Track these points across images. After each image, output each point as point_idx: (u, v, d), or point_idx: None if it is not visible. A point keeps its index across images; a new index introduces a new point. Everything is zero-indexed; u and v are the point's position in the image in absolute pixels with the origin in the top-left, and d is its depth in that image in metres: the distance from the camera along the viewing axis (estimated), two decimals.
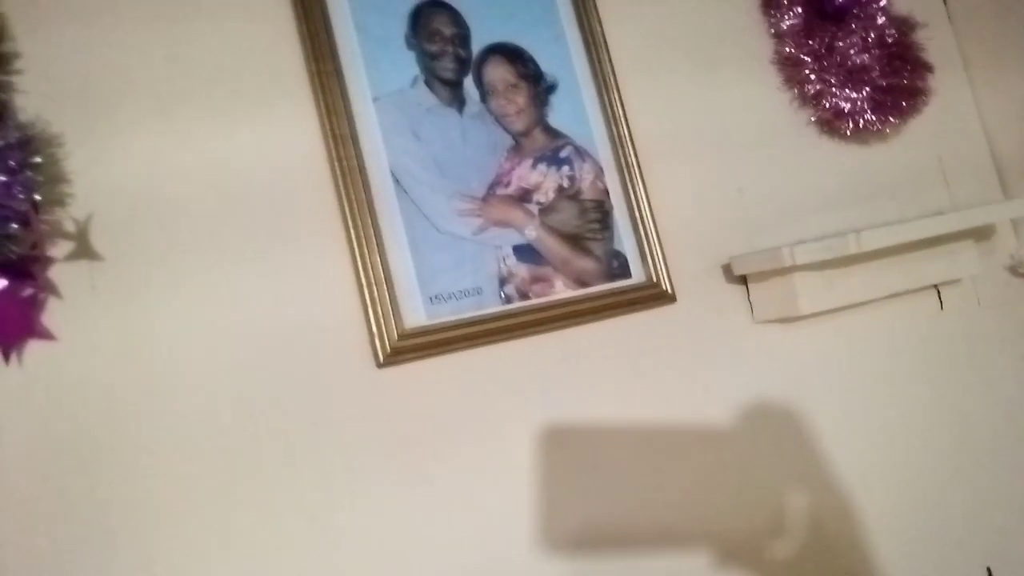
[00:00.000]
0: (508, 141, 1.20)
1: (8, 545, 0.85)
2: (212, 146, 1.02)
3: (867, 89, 1.49)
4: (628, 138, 1.28)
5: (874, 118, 1.49)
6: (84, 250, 0.93)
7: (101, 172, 0.96)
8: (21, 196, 0.87)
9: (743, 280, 1.33)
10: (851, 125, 1.49)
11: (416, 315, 1.07)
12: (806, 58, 1.47)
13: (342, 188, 1.07)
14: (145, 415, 0.93)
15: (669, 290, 1.26)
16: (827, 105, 1.48)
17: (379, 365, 1.05)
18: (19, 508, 0.86)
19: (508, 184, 1.19)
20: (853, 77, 1.49)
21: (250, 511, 0.95)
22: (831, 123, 1.49)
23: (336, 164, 1.07)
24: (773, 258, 1.24)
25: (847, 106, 1.48)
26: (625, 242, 1.25)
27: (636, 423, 1.19)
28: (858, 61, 1.48)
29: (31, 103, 0.92)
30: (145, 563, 0.90)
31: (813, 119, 1.48)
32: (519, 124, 1.22)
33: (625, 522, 1.14)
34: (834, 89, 1.48)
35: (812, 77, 1.48)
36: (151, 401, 0.94)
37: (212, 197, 1.01)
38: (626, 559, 1.13)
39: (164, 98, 1.00)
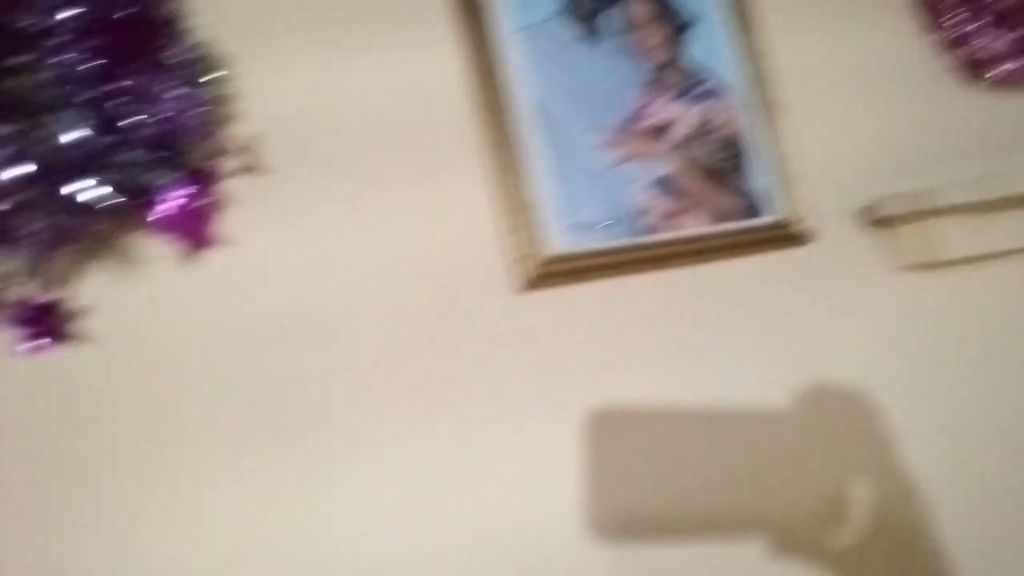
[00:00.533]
0: (646, 75, 1.19)
1: (201, 446, 0.91)
2: (364, 74, 1.05)
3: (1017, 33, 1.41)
4: (766, 76, 1.26)
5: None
6: (254, 165, 0.98)
7: (266, 93, 1.00)
8: (200, 109, 0.92)
9: (881, 223, 1.28)
10: (996, 71, 1.42)
11: (556, 244, 1.08)
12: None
13: (485, 119, 1.09)
14: (303, 323, 0.97)
15: (804, 231, 1.23)
16: (972, 50, 1.41)
17: (520, 291, 1.06)
18: (199, 394, 0.92)
19: (645, 118, 1.18)
20: (1004, 21, 1.41)
21: (395, 432, 0.98)
22: (976, 68, 1.42)
23: (479, 94, 1.09)
24: (919, 199, 1.20)
25: (994, 51, 1.41)
26: (760, 180, 1.22)
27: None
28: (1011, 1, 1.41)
29: (204, 25, 0.96)
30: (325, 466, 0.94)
31: (955, 64, 1.41)
32: (657, 58, 1.21)
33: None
34: (980, 33, 1.41)
35: (956, 20, 1.41)
36: (309, 311, 0.98)
37: (362, 123, 1.04)
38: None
39: (323, 27, 1.04)
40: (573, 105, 1.14)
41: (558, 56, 1.15)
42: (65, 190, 0.85)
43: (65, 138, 0.84)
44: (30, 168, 0.82)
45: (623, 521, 1.04)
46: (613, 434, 1.07)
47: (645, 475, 1.07)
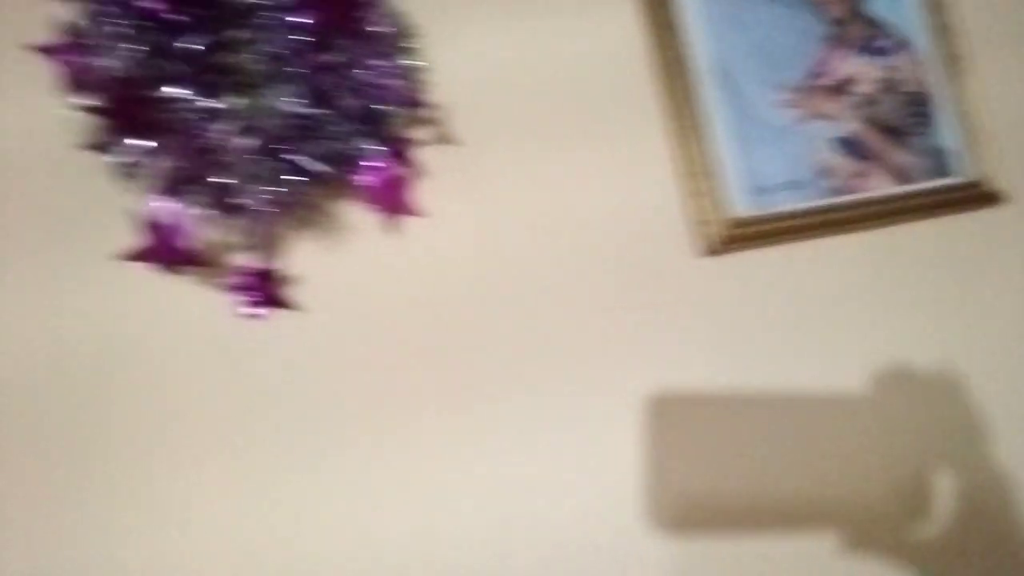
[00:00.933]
0: (826, 30, 1.14)
1: (400, 407, 0.94)
2: (545, 40, 1.05)
3: None
4: (951, 28, 1.19)
5: None
6: (445, 135, 0.99)
7: (452, 63, 1.01)
8: (400, 80, 0.93)
9: None
10: None
11: (741, 205, 1.06)
12: None
13: (664, 80, 1.07)
14: (490, 292, 0.99)
15: (995, 191, 1.16)
16: None
17: (704, 254, 1.04)
18: (398, 358, 0.95)
19: (827, 74, 1.13)
20: None
21: (584, 398, 0.99)
22: None
23: (658, 53, 1.07)
24: None
25: None
26: (946, 138, 1.16)
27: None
28: None
29: None
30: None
31: None
32: (837, 12, 1.16)
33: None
34: None
35: None
36: (498, 279, 0.99)
37: (543, 89, 1.04)
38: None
39: None
40: (752, 63, 1.11)
41: (736, 13, 1.11)
42: (283, 161, 0.88)
43: (282, 110, 0.87)
44: (255, 141, 0.86)
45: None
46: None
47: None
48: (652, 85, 1.07)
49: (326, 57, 0.90)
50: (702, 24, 1.09)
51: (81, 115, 0.90)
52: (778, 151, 1.09)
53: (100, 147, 0.88)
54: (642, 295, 1.03)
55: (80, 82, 0.89)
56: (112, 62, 0.84)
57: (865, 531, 1.06)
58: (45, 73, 0.90)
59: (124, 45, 0.84)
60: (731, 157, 1.07)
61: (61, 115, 0.90)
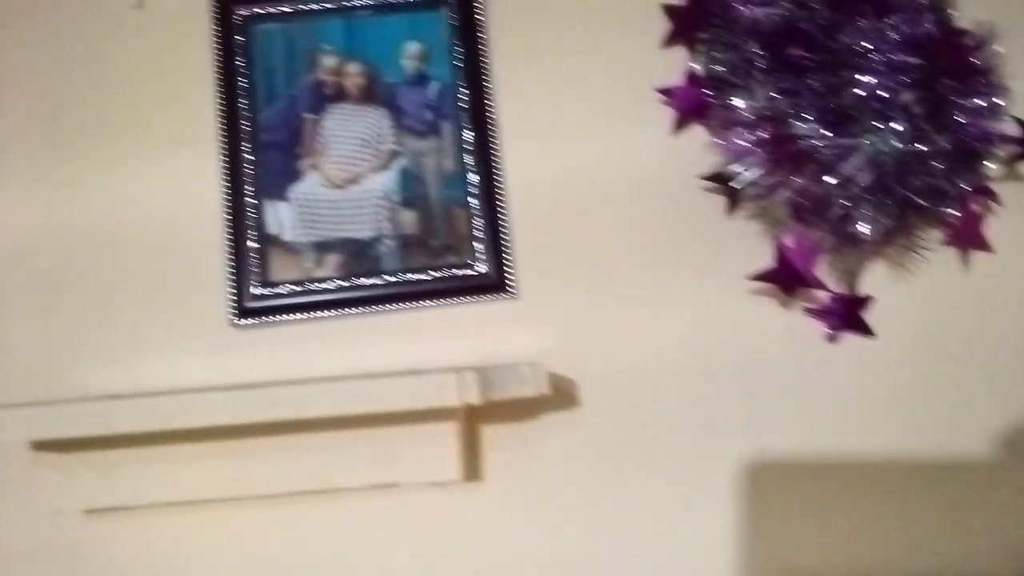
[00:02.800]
0: None
1: None
2: None
3: None
4: None
5: None
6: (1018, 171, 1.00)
7: None
8: (993, 116, 0.95)
9: None
10: None
11: None
12: None
13: None
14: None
15: None
16: None
17: None
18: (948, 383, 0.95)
19: None
20: None
21: None
22: None
23: None
24: None
25: None
26: None
27: None
28: None
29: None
30: None
31: None
32: None
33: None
34: None
35: None
36: None
37: None
38: None
39: None
40: None
41: None
42: (894, 195, 0.92)
43: (894, 147, 0.92)
44: (873, 175, 0.91)
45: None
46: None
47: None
48: None
49: (930, 95, 0.94)
50: None
51: (701, 149, 1.01)
52: None
53: (720, 178, 0.97)
54: None
55: (699, 119, 1.00)
56: (749, 102, 0.93)
57: None
58: (660, 111, 1.01)
59: (761, 85, 0.93)
60: None
61: (680, 148, 1.01)
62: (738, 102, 0.95)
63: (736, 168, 0.95)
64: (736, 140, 0.95)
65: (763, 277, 0.95)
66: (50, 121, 1.02)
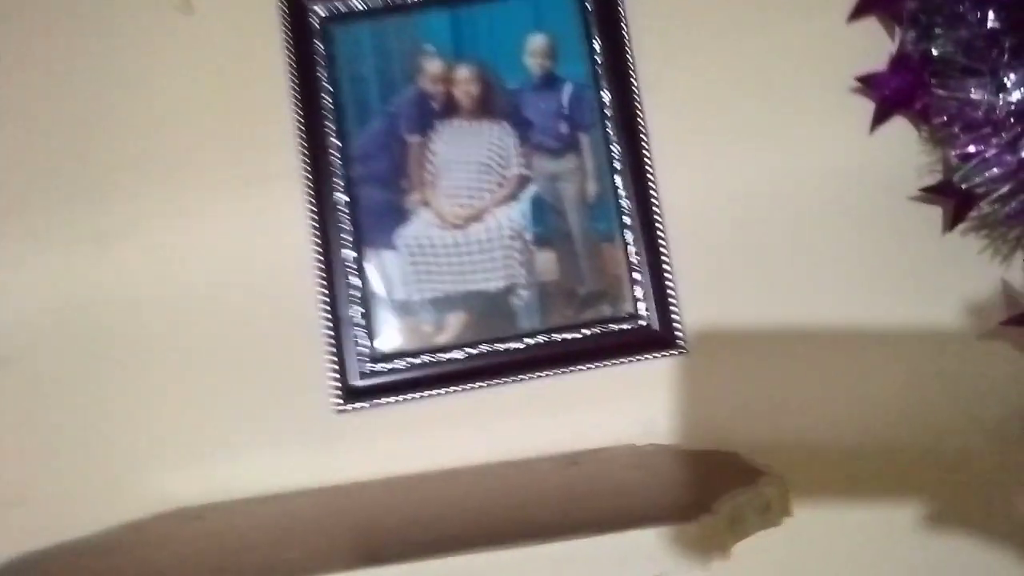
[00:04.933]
0: None
1: None
2: None
3: None
4: None
5: None
6: None
7: None
8: None
9: None
10: None
11: None
12: None
13: None
14: None
15: None
16: None
17: None
18: None
19: None
20: None
21: None
22: None
23: None
24: None
25: None
26: None
27: None
28: None
29: None
30: None
31: None
32: None
33: None
34: None
35: None
36: None
37: None
38: None
39: None
40: None
41: None
42: None
43: None
44: None
45: None
46: None
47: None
48: None
49: None
50: None
51: (911, 151, 0.79)
52: None
53: (947, 189, 0.76)
54: None
55: (909, 113, 0.79)
56: (984, 92, 0.71)
57: None
58: (855, 104, 0.80)
59: (1006, 70, 0.71)
60: None
61: (882, 151, 0.80)
62: (972, 93, 0.72)
63: (970, 178, 0.73)
64: (968, 142, 0.73)
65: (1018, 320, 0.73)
66: (85, 163, 0.81)
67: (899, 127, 0.81)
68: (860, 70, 0.80)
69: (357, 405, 0.76)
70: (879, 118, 0.80)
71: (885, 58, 0.80)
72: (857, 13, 0.81)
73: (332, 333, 0.77)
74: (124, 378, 0.78)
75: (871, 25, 0.82)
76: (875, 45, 0.81)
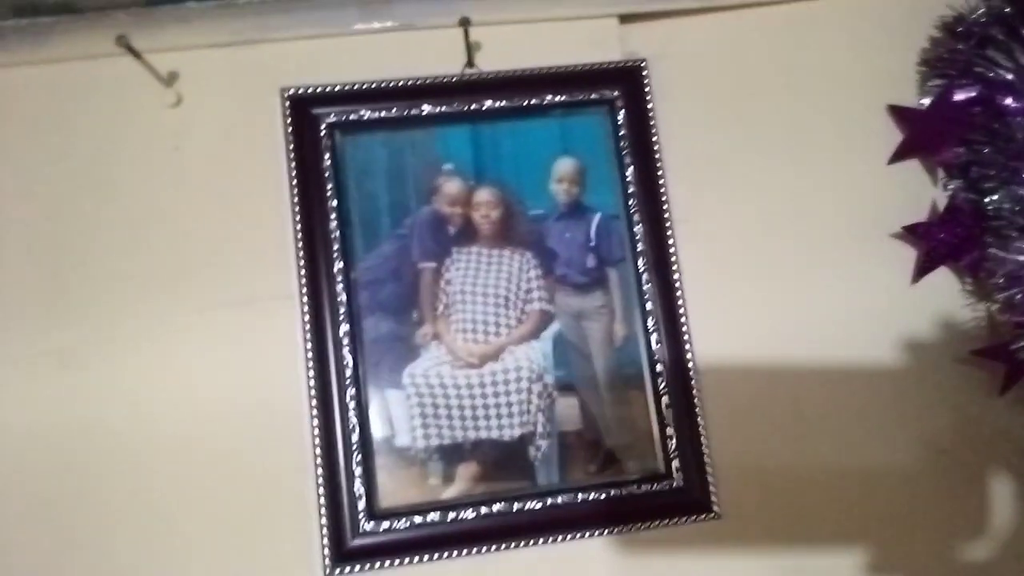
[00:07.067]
0: None
1: None
2: None
3: None
4: None
5: None
6: None
7: None
8: None
9: None
10: None
11: None
12: None
13: None
14: None
15: None
16: None
17: None
18: None
19: None
20: None
21: None
22: None
23: None
24: None
25: None
26: None
27: None
28: None
29: None
30: None
31: None
32: None
33: None
34: None
35: None
36: None
37: None
38: None
39: None
40: None
41: None
42: None
43: None
44: None
45: None
46: None
47: None
48: None
49: None
50: None
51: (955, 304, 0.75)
52: None
53: (1000, 352, 0.71)
54: None
55: (957, 265, 0.74)
56: None
57: None
58: (898, 253, 0.76)
59: None
60: None
61: (925, 303, 0.75)
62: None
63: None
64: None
65: None
66: (55, 280, 0.71)
67: (940, 275, 0.77)
68: (899, 213, 0.76)
69: (353, 570, 0.66)
70: (924, 269, 0.76)
71: (926, 203, 0.76)
72: (898, 156, 0.77)
73: (326, 483, 0.67)
74: (78, 527, 0.67)
75: (912, 167, 0.78)
76: (916, 189, 0.77)
